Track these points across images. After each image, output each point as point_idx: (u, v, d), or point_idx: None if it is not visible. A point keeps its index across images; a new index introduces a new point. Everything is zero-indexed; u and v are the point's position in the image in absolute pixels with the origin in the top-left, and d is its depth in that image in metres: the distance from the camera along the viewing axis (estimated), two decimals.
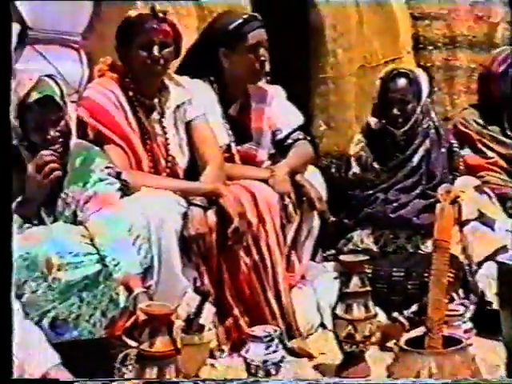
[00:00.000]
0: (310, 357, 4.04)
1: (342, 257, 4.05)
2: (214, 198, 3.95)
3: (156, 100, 4.16)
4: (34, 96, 3.55)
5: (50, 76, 3.69)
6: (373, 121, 4.86)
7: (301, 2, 5.86)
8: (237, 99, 4.52)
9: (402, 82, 4.73)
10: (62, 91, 3.63)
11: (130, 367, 3.38)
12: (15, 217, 3.50)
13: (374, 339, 3.87)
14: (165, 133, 4.15)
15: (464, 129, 4.98)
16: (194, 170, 4.20)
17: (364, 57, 6.08)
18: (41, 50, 4.69)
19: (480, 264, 4.29)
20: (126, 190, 3.75)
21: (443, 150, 4.84)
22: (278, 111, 4.58)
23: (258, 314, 4.05)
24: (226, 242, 3.97)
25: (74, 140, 3.69)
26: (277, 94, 4.65)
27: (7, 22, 1.96)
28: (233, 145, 4.43)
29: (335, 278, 3.96)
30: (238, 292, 4.04)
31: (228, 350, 3.99)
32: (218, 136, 4.30)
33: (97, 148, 3.82)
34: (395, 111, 4.67)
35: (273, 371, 3.72)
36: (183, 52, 4.34)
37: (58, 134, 3.56)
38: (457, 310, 4.01)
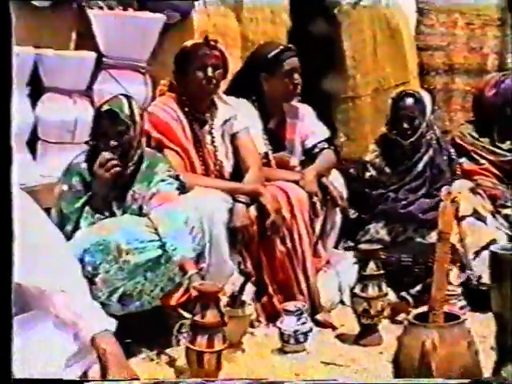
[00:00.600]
0: (333, 328, 4.00)
1: (360, 246, 4.07)
2: (254, 196, 3.94)
3: (207, 115, 4.16)
4: (105, 107, 3.58)
5: (125, 95, 3.69)
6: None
7: (327, 38, 5.88)
8: (274, 115, 4.50)
9: (410, 101, 4.69)
10: (131, 108, 3.62)
11: (185, 335, 3.36)
12: (86, 208, 3.52)
13: (385, 314, 3.88)
14: (214, 142, 4.14)
15: (460, 141, 4.98)
16: (237, 173, 4.19)
17: (378, 81, 6.09)
18: (114, 74, 4.71)
19: (477, 253, 4.28)
20: (182, 188, 3.73)
21: (444, 157, 4.81)
22: (308, 125, 4.57)
23: (289, 292, 4.03)
24: (265, 232, 3.95)
25: (138, 147, 3.68)
26: (307, 111, 4.63)
27: (7, 22, 1.86)
28: (270, 153, 4.41)
29: (354, 263, 3.91)
30: (274, 274, 4.02)
31: (265, 321, 3.98)
32: (258, 145, 4.29)
33: (159, 154, 3.84)
34: (404, 125, 4.64)
35: (302, 339, 3.69)
36: (230, 76, 4.35)
37: (120, 142, 3.57)
38: (455, 291, 4.02)
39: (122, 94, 3.69)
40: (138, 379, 2.92)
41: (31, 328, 2.90)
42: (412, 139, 4.67)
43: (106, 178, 3.54)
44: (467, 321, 3.03)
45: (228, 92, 4.41)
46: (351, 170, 4.94)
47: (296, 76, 4.39)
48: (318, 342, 3.79)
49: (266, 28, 5.56)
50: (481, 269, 4.07)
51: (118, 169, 3.55)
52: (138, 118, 3.63)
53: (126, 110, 3.58)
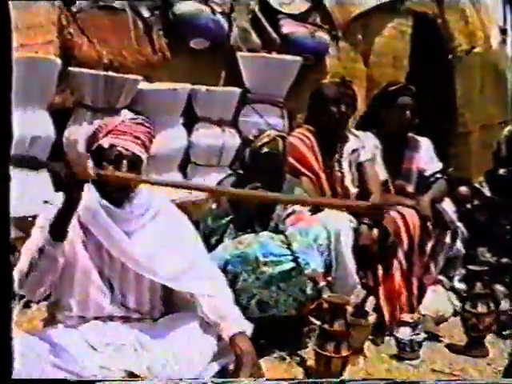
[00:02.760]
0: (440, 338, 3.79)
1: (469, 266, 3.84)
2: (376, 219, 3.75)
3: (339, 145, 4.04)
4: (265, 149, 3.50)
5: (281, 136, 3.58)
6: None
7: (441, 79, 5.74)
8: (395, 146, 4.26)
9: None
10: (284, 147, 3.55)
11: (313, 339, 3.27)
12: (231, 225, 3.44)
13: (492, 329, 3.67)
14: (342, 169, 4.02)
15: None
16: (361, 197, 4.01)
17: (484, 118, 5.90)
18: (256, 107, 4.71)
19: None
20: (313, 210, 3.61)
21: None
22: (425, 157, 4.32)
23: (403, 305, 3.81)
24: (384, 251, 3.76)
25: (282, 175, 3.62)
26: (426, 144, 4.37)
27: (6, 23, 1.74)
28: (389, 180, 4.21)
29: (460, 281, 3.72)
30: (390, 288, 3.79)
31: (383, 330, 3.77)
32: (380, 174, 4.14)
33: (296, 179, 3.76)
34: None
35: (416, 348, 3.51)
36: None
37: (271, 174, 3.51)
38: None
39: (278, 136, 3.56)
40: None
41: (178, 327, 2.85)
42: None
43: (253, 202, 3.47)
44: None
45: (358, 125, 4.32)
46: (461, 198, 4.67)
47: (408, 113, 4.17)
48: (429, 351, 3.61)
49: (388, 71, 5.50)
50: None
51: None
52: (286, 154, 3.56)
53: (281, 150, 3.53)
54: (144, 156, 2.81)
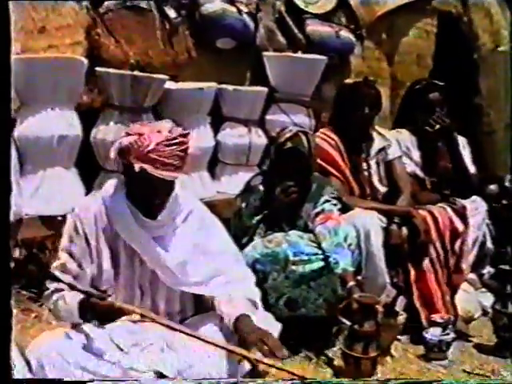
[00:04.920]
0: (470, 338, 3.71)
1: (500, 266, 3.76)
2: (407, 218, 3.67)
3: (364, 144, 3.96)
4: (288, 145, 3.40)
5: (303, 132, 3.50)
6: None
7: (466, 79, 5.71)
8: (429, 143, 4.17)
9: None
10: (309, 144, 3.44)
11: (341, 339, 3.22)
12: (261, 225, 3.38)
13: None
14: (369, 169, 3.94)
15: None
16: (390, 196, 3.94)
17: (509, 117, 5.81)
18: (282, 107, 4.64)
19: None
20: (343, 209, 3.54)
21: None
22: (463, 155, 4.19)
23: (433, 305, 3.69)
24: (415, 251, 3.68)
25: (310, 174, 3.53)
26: (462, 142, 4.27)
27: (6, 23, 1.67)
28: (426, 178, 4.13)
29: (490, 280, 3.63)
30: (420, 288, 3.69)
31: (412, 330, 3.67)
32: (416, 171, 4.10)
33: (326, 178, 3.67)
34: None
35: (444, 348, 3.42)
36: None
37: (298, 172, 3.42)
38: None
39: (300, 131, 3.48)
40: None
41: (204, 327, 2.79)
42: None
43: (285, 201, 3.41)
44: None
45: (393, 124, 4.28)
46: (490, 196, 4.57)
47: (438, 109, 4.09)
48: (459, 352, 3.52)
49: (413, 70, 5.43)
50: None
51: (295, 195, 3.41)
52: (312, 151, 3.46)
53: (305, 146, 3.42)
54: (176, 175, 2.68)
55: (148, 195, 2.69)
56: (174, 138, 2.65)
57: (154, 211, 2.75)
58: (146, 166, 2.59)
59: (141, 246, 2.75)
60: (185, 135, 2.71)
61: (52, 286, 2.74)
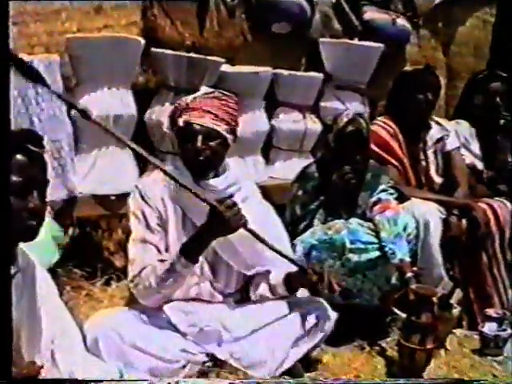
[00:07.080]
0: None
1: None
2: (466, 210, 3.60)
3: (422, 134, 3.88)
4: (350, 128, 3.31)
5: (360, 115, 3.42)
6: None
7: None
8: (488, 135, 4.08)
9: None
10: (367, 127, 3.37)
11: (395, 329, 3.24)
12: (320, 211, 3.33)
13: None
14: (426, 159, 3.87)
15: None
16: (446, 187, 3.87)
17: None
18: (337, 93, 4.56)
19: None
20: (400, 199, 3.47)
21: None
22: None
23: (489, 299, 3.65)
24: (473, 243, 3.60)
25: (367, 160, 3.45)
26: None
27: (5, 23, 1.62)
28: (484, 170, 4.04)
29: None
30: (477, 281, 3.65)
31: (467, 324, 3.63)
32: (475, 163, 4.02)
33: (383, 167, 3.59)
34: None
35: (501, 344, 3.34)
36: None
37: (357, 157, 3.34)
38: None
39: (357, 114, 3.40)
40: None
41: (263, 311, 2.84)
42: None
43: (342, 187, 3.34)
44: None
45: (453, 115, 4.22)
46: None
47: (498, 99, 4.00)
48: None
49: (469, 60, 5.31)
50: None
51: (353, 181, 3.34)
52: (370, 136, 3.40)
53: (365, 127, 3.34)
54: (222, 129, 2.69)
55: (197, 151, 2.67)
56: (213, 92, 2.75)
57: (206, 171, 2.74)
58: (187, 119, 2.68)
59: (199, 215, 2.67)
60: (226, 94, 2.75)
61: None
